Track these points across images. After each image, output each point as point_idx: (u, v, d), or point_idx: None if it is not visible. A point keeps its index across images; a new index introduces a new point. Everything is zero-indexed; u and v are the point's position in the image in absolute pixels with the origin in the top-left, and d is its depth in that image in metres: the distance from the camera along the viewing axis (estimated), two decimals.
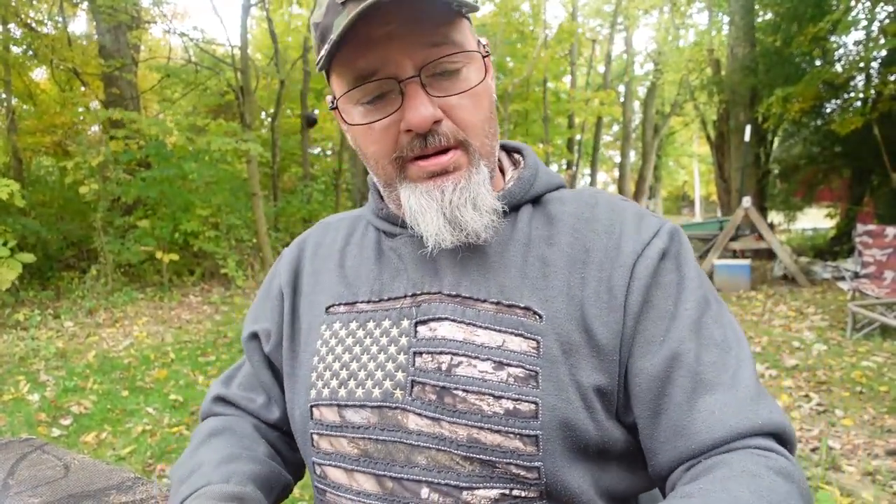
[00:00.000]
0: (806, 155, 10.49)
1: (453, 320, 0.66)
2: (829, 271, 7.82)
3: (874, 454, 2.72)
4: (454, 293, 0.67)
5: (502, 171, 0.79)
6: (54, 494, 0.65)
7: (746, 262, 7.63)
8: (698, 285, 0.66)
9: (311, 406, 0.71)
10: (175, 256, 8.31)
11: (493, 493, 0.62)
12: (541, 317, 0.64)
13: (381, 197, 0.78)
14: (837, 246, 10.10)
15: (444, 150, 0.65)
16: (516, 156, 0.82)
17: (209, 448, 0.73)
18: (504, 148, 0.83)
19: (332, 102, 0.69)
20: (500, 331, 0.64)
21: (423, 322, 0.67)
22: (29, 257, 6.09)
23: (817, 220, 13.91)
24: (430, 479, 0.63)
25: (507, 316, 0.65)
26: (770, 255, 8.26)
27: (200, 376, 4.44)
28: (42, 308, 6.70)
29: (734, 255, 8.18)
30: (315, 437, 0.71)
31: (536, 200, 0.74)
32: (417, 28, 0.61)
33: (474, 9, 0.65)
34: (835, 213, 11.66)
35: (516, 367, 0.62)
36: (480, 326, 0.65)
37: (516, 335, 0.64)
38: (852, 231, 6.93)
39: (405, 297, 0.70)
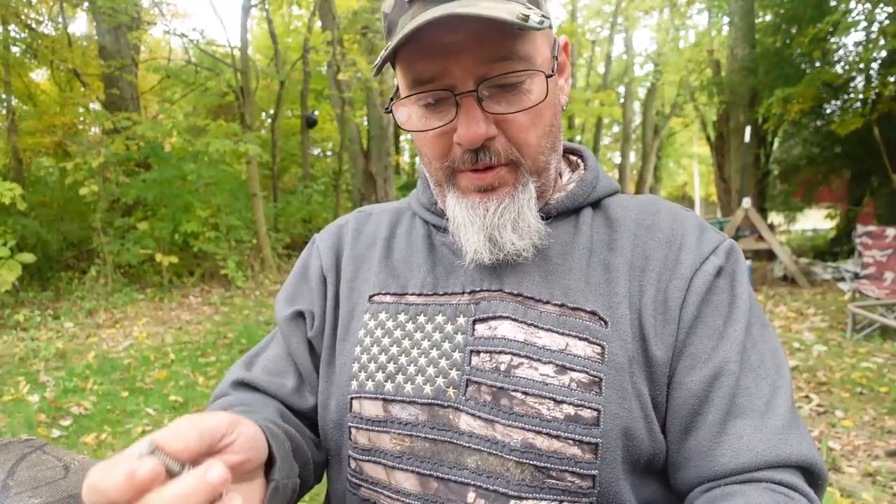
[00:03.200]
0: (806, 156, 10.51)
1: (514, 319, 0.64)
2: (829, 272, 7.82)
3: (874, 455, 2.72)
4: (516, 292, 0.66)
5: (559, 173, 0.76)
6: (54, 495, 0.65)
7: (746, 262, 7.61)
8: (749, 307, 0.65)
9: (352, 398, 0.68)
10: (175, 259, 8.30)
11: None
12: (606, 322, 0.63)
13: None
14: (837, 247, 10.12)
15: (493, 167, 0.64)
16: (573, 157, 0.80)
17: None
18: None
19: (388, 105, 0.67)
20: (563, 334, 0.63)
21: (482, 320, 0.65)
22: (29, 258, 6.09)
23: (817, 220, 13.95)
24: (478, 484, 0.61)
25: (572, 319, 0.63)
26: (770, 255, 8.26)
27: (200, 377, 4.44)
28: (42, 309, 6.69)
29: None
30: (353, 430, 0.68)
31: (596, 204, 0.73)
32: (483, 40, 0.58)
33: (542, 28, 0.59)
34: (835, 214, 11.68)
35: (580, 371, 0.61)
36: (542, 328, 0.63)
37: (580, 339, 0.62)
38: (852, 232, 6.94)
39: (463, 293, 0.68)
